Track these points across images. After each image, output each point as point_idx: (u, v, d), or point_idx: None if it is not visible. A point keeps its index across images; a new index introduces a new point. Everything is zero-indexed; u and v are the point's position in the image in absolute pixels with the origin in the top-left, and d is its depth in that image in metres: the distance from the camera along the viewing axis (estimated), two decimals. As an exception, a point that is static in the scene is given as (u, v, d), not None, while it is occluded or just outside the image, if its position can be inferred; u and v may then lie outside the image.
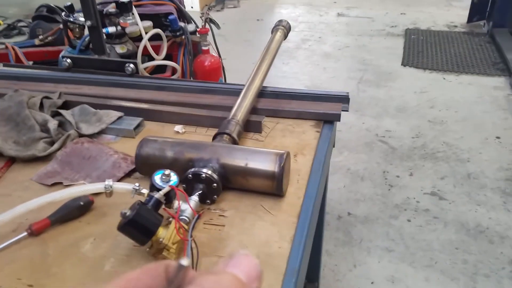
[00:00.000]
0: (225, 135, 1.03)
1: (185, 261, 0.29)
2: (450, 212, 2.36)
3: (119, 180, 1.02)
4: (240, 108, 1.13)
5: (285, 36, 1.52)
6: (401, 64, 4.17)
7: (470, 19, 4.96)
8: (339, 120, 1.20)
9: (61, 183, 1.02)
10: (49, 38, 2.34)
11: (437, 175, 2.64)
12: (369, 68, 4.13)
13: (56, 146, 1.10)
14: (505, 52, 4.03)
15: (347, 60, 4.33)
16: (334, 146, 1.28)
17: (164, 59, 2.09)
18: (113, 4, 2.03)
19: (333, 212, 2.41)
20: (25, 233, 0.87)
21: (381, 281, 2.00)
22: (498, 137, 2.97)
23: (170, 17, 2.16)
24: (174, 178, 0.82)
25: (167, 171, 0.81)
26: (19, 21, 2.79)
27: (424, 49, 4.44)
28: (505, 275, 2.00)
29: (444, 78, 3.88)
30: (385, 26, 5.22)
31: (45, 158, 1.11)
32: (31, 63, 2.22)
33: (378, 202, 2.46)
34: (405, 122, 3.22)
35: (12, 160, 1.11)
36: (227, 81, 2.52)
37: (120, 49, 2.06)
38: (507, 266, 2.04)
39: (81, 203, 0.91)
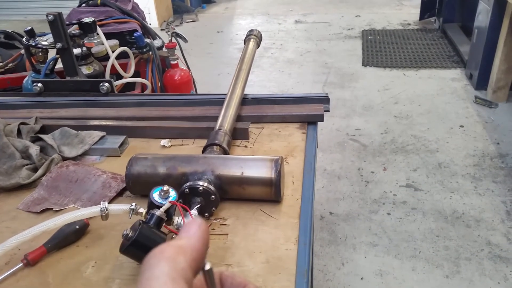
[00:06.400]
0: (216, 146, 1.02)
1: (207, 265, 0.32)
2: (426, 201, 2.44)
3: (111, 200, 1.00)
4: (226, 117, 1.13)
5: (258, 45, 1.54)
6: (362, 65, 4.30)
7: (421, 17, 5.20)
8: (322, 120, 1.23)
9: (50, 209, 0.99)
10: (10, 64, 2.27)
11: (409, 167, 2.73)
12: (332, 71, 4.24)
13: (40, 172, 1.07)
14: (457, 45, 4.24)
15: (310, 65, 4.42)
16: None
17: (133, 76, 2.07)
18: (76, 26, 1.99)
19: (315, 213, 2.43)
20: (20, 264, 0.83)
21: (370, 276, 2.03)
22: (461, 126, 3.11)
23: (136, 34, 2.13)
24: (173, 193, 0.81)
25: (165, 187, 0.80)
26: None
27: (382, 48, 4.59)
28: (484, 256, 2.08)
29: (404, 74, 4.02)
30: (342, 30, 5.37)
31: (30, 186, 1.07)
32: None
33: (357, 199, 2.52)
34: (373, 119, 3.32)
35: (-6, 191, 1.06)
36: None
37: (86, 70, 2.01)
38: (485, 248, 2.13)
39: (77, 227, 0.88)
